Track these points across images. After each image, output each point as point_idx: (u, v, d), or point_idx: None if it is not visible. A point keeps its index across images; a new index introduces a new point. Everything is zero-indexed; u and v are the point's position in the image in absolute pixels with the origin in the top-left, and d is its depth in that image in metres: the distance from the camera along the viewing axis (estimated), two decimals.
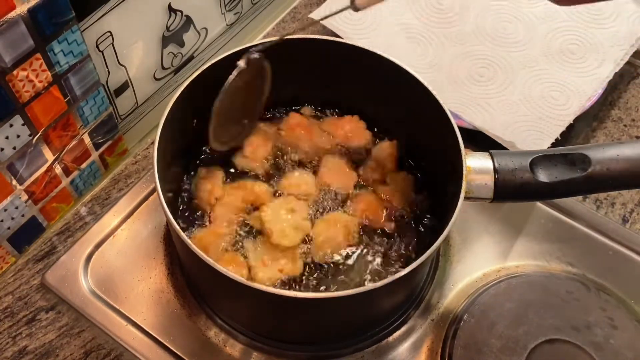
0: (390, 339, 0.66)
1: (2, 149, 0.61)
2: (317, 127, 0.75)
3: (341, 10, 0.57)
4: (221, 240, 0.64)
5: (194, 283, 0.68)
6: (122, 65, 0.72)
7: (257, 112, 0.71)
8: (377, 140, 0.74)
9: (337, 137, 0.74)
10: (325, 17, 0.60)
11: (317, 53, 0.69)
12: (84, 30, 0.63)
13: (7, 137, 0.61)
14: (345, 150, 0.73)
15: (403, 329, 0.67)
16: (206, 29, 0.83)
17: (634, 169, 0.56)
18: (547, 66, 0.85)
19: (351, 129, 0.74)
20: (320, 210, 0.68)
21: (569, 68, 0.85)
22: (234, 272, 0.54)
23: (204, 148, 0.72)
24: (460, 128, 0.61)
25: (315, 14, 0.90)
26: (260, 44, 0.62)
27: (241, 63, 0.61)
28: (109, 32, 0.67)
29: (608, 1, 0.52)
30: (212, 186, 0.68)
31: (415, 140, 0.71)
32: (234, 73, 0.60)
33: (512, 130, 0.79)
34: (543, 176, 0.58)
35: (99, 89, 0.70)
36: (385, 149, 0.72)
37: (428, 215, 0.68)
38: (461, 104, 0.81)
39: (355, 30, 0.88)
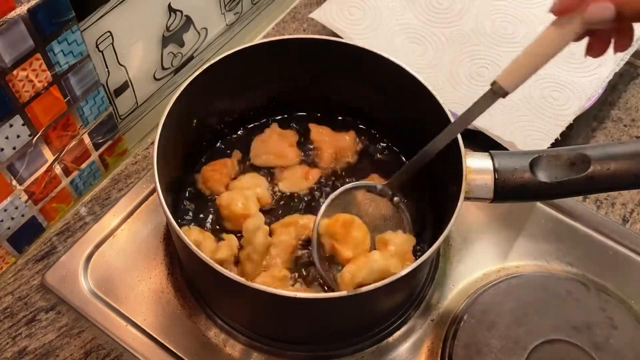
0: (390, 339, 0.66)
1: (2, 149, 0.61)
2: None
3: None
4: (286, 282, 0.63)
5: (194, 283, 0.68)
6: (122, 65, 0.72)
7: None
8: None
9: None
10: None
11: (317, 53, 0.69)
12: (83, 30, 0.63)
13: (7, 137, 0.61)
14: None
15: (403, 329, 0.67)
16: (206, 29, 0.83)
17: (634, 169, 0.56)
18: (547, 66, 0.85)
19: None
20: None
21: (569, 68, 0.84)
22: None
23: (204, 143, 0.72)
24: None
25: (316, 14, 0.90)
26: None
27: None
28: (109, 32, 0.67)
29: None
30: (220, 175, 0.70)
31: (415, 140, 0.71)
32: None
33: (512, 130, 0.79)
34: (543, 176, 0.58)
35: (99, 89, 0.70)
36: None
37: (428, 215, 0.68)
38: (461, 104, 0.81)
39: (355, 30, 0.88)
